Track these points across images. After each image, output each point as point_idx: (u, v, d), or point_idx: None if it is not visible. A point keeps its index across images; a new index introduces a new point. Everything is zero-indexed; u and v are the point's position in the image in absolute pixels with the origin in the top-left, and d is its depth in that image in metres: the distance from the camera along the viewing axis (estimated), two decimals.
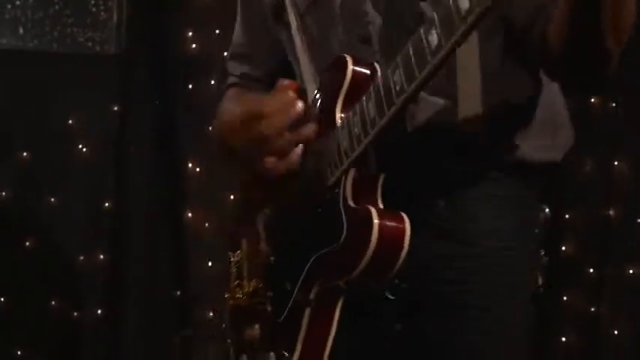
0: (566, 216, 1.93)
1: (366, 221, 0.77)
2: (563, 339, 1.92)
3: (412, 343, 0.81)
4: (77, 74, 2.12)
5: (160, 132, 2.04)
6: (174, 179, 2.03)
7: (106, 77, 2.13)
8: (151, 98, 2.06)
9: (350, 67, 0.86)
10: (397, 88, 0.73)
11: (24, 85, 2.08)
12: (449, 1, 0.62)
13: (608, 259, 1.93)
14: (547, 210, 0.88)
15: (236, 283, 1.03)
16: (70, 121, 2.11)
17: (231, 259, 1.07)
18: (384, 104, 0.74)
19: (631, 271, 1.89)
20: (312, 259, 0.85)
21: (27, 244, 2.07)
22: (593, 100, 1.91)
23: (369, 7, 0.90)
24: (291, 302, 0.83)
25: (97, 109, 2.12)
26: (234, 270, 1.07)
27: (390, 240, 0.77)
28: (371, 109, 0.76)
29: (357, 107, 0.81)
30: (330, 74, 0.92)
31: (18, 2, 2.18)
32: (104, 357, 2.07)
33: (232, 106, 1.03)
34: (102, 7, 2.26)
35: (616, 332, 1.89)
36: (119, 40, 2.18)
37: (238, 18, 1.17)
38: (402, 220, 0.77)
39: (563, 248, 1.93)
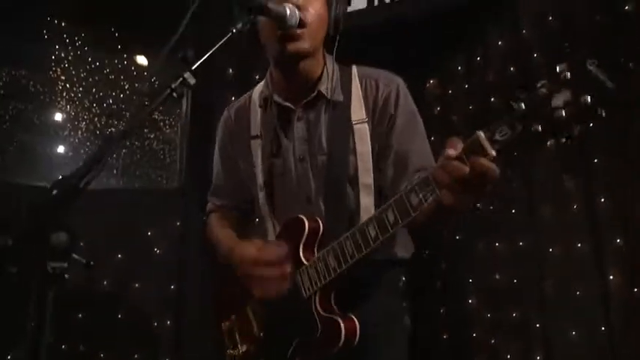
0: None
1: (335, 327, 1.21)
2: None
3: None
4: (153, 202, 3.06)
5: None
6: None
7: (172, 203, 3.02)
8: (202, 216, 2.67)
9: (306, 224, 1.30)
10: (349, 253, 1.18)
11: (119, 212, 2.94)
12: (382, 216, 1.10)
13: None
14: (403, 278, 1.51)
15: (232, 345, 1.43)
16: (149, 233, 2.98)
17: (223, 325, 1.48)
18: (342, 261, 1.20)
19: None
20: (294, 343, 1.28)
21: (119, 316, 2.88)
22: None
23: (312, 183, 1.38)
24: None
25: (166, 224, 2.97)
26: (227, 334, 1.47)
27: (350, 335, 1.22)
28: (331, 261, 1.22)
29: (321, 257, 1.25)
30: (291, 227, 1.34)
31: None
32: None
33: (230, 241, 1.45)
34: (167, 154, 3.28)
35: None
36: (180, 177, 3.09)
37: (219, 165, 1.59)
38: (354, 322, 1.23)
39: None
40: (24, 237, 0.77)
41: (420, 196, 1.04)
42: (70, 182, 0.83)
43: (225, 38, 1.12)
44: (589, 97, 0.85)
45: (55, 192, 0.80)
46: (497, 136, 0.92)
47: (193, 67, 1.05)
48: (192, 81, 1.03)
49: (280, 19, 1.27)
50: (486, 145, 0.92)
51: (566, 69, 0.87)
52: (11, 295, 1.68)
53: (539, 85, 0.90)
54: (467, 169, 0.94)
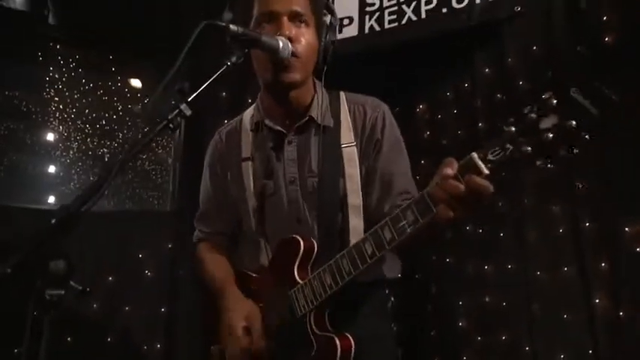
0: None
1: (331, 344, 1.22)
2: None
3: None
4: (144, 223, 3.03)
5: None
6: None
7: (164, 224, 3.01)
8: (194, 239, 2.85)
9: (302, 244, 1.33)
10: (346, 271, 1.20)
11: (110, 233, 2.92)
12: (379, 234, 1.11)
13: None
14: (392, 299, 1.56)
15: None
16: (140, 255, 2.96)
17: (212, 349, 1.46)
18: (338, 278, 1.22)
19: None
20: None
21: (108, 339, 2.84)
22: None
23: (302, 204, 1.41)
24: None
25: (158, 246, 2.96)
26: (217, 358, 1.45)
27: (345, 353, 1.23)
28: (328, 279, 1.23)
29: (317, 275, 1.26)
30: (286, 248, 1.36)
31: None
32: None
33: (219, 280, 1.48)
34: (159, 175, 3.29)
35: None
36: (173, 199, 3.10)
37: (208, 187, 1.59)
38: (349, 340, 1.25)
39: None
40: (22, 265, 0.79)
41: (417, 213, 1.09)
42: (68, 211, 0.85)
43: (220, 71, 1.16)
44: (574, 121, 0.92)
45: (53, 220, 0.82)
46: (490, 156, 0.98)
47: (189, 99, 1.09)
48: (188, 112, 1.07)
49: (274, 52, 1.33)
50: (480, 164, 0.98)
51: (552, 96, 0.94)
52: (7, 321, 1.67)
53: (526, 110, 0.97)
54: (463, 187, 0.99)
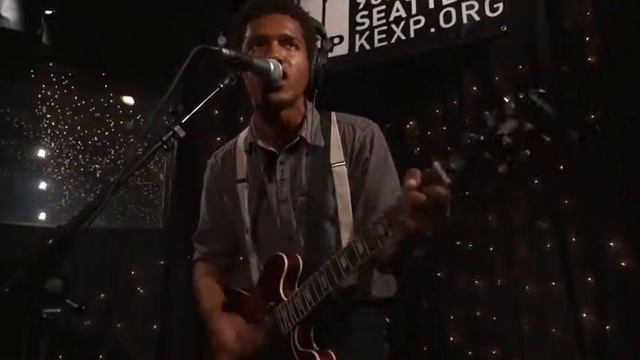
0: None
1: None
2: None
3: None
4: (136, 241, 3.04)
5: None
6: None
7: (156, 241, 3.03)
8: (186, 256, 2.59)
9: (286, 262, 1.35)
10: (324, 286, 1.21)
11: (102, 251, 2.91)
12: (352, 248, 1.13)
13: None
14: (387, 319, 1.51)
15: None
16: (133, 272, 2.98)
17: None
18: (317, 294, 1.23)
19: None
20: None
21: (100, 357, 2.83)
22: None
23: (294, 223, 1.44)
24: None
25: (150, 263, 2.97)
26: None
27: None
28: (307, 295, 1.25)
29: (298, 292, 1.27)
30: (272, 265, 1.39)
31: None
32: None
33: (210, 309, 1.50)
34: (151, 191, 3.29)
35: None
36: (165, 216, 3.12)
37: (205, 208, 1.64)
38: (331, 357, 1.24)
39: None
40: (19, 284, 0.81)
41: (386, 224, 1.09)
42: (65, 232, 0.87)
43: (213, 93, 1.20)
44: (530, 124, 0.91)
45: (50, 241, 0.85)
46: (452, 166, 0.98)
47: (183, 121, 1.12)
48: (182, 134, 1.10)
49: (265, 74, 1.37)
50: (442, 174, 0.97)
51: (511, 100, 0.94)
52: (3, 339, 1.67)
53: (486, 116, 0.96)
54: (424, 197, 0.99)
